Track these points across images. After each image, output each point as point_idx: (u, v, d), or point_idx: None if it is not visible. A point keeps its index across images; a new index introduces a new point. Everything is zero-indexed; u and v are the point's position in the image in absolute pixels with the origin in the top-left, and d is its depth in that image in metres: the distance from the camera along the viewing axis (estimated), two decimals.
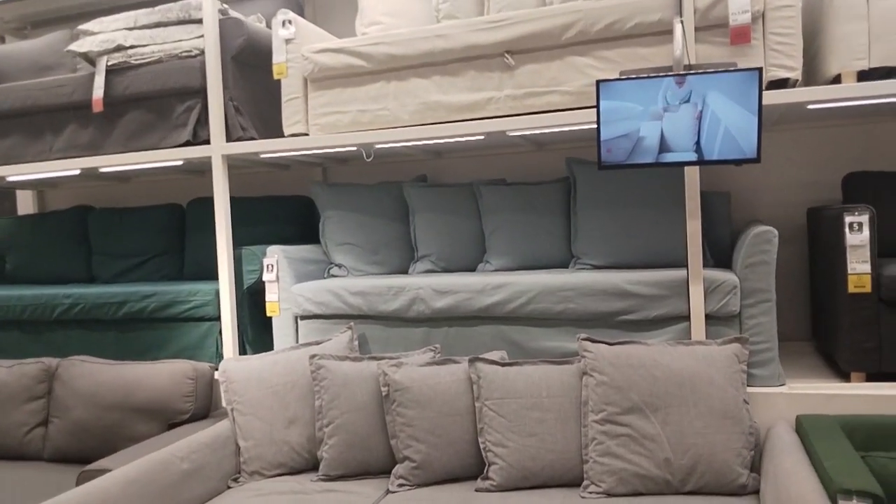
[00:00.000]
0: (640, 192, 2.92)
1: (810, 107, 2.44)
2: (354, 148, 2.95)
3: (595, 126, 2.44)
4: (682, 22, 2.35)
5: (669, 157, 2.23)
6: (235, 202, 3.59)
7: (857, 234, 2.33)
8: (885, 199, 2.72)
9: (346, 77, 2.90)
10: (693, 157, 2.19)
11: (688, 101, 2.19)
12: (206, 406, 2.82)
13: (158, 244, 3.73)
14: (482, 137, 2.79)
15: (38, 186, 4.35)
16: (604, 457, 2.30)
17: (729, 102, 2.17)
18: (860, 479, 1.73)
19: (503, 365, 2.51)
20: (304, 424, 2.64)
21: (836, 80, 2.43)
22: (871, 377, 2.41)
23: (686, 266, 2.55)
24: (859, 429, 2.19)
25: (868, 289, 2.33)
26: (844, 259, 2.35)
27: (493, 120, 2.66)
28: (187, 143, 3.10)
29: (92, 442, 2.81)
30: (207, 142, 3.07)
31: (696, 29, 2.43)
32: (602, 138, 2.27)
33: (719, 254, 2.94)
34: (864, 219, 2.32)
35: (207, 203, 3.69)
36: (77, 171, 3.27)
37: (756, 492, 2.24)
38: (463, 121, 2.74)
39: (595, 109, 2.44)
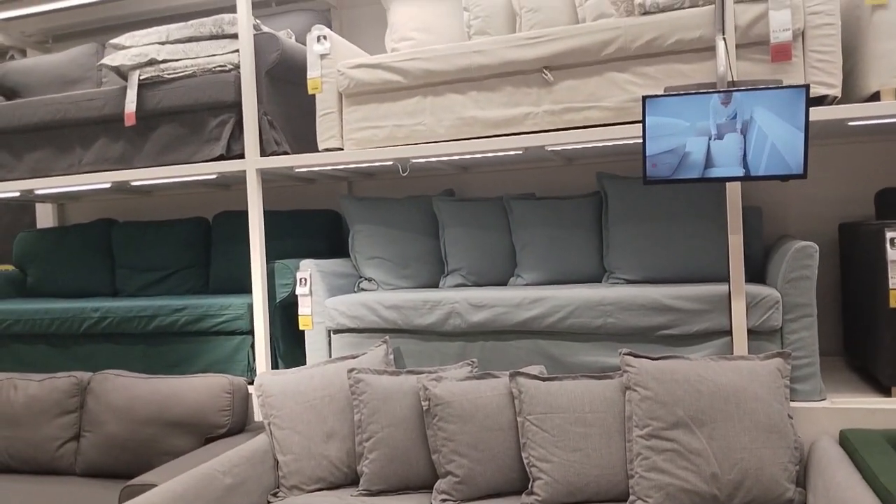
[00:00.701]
0: (673, 207, 2.93)
1: (851, 123, 2.46)
2: (391, 162, 2.96)
3: (639, 141, 2.46)
4: (724, 39, 2.38)
5: (716, 173, 2.24)
6: (264, 216, 3.59)
7: None
8: None
9: (382, 92, 2.91)
10: (740, 172, 2.21)
11: (734, 117, 2.21)
12: (242, 420, 2.80)
13: (184, 258, 3.73)
14: (520, 152, 2.80)
15: (59, 200, 4.35)
16: (650, 472, 2.30)
17: (775, 119, 2.19)
18: None
19: (544, 380, 2.51)
20: (343, 439, 2.63)
21: (875, 96, 2.45)
22: None
23: (727, 281, 2.56)
24: None
25: None
26: (886, 274, 2.36)
27: (533, 135, 2.67)
28: (220, 158, 3.10)
29: (126, 456, 2.79)
30: (241, 156, 3.08)
31: (738, 46, 2.46)
32: (647, 153, 2.29)
33: (752, 268, 2.95)
34: None
35: (233, 216, 3.69)
36: (108, 185, 3.27)
37: None
38: (500, 135, 2.75)
39: (640, 125, 2.46)
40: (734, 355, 2.45)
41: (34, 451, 2.90)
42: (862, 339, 2.72)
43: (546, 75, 2.67)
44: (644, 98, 2.25)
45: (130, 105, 3.17)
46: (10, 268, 4.25)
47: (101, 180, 3.24)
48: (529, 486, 2.38)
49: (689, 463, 2.28)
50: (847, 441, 2.26)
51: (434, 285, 3.31)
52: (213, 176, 3.12)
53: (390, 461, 2.52)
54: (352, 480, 2.61)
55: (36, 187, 3.35)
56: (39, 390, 2.97)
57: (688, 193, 2.90)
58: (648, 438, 2.33)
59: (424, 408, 2.51)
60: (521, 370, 2.52)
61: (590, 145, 2.67)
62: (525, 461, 2.41)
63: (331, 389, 2.70)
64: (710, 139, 2.23)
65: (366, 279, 3.30)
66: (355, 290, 3.29)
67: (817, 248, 2.44)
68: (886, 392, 2.47)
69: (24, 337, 3.44)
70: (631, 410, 2.39)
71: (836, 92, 2.40)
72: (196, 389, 2.75)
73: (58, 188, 3.32)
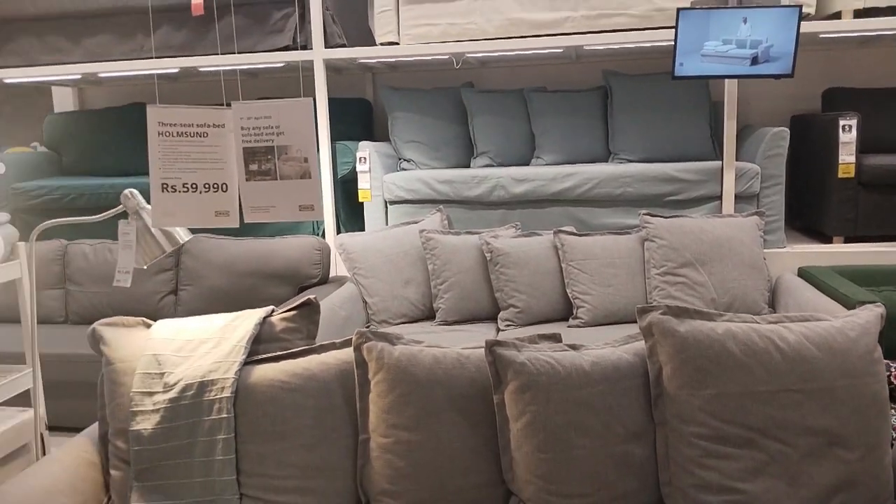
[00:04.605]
0: (664, 100, 3.62)
1: (822, 36, 3.19)
2: (447, 56, 3.46)
3: (660, 44, 3.09)
4: None
5: (730, 70, 2.92)
6: None
7: (848, 134, 3.14)
8: (857, 109, 3.55)
9: None
10: (749, 71, 2.90)
11: (746, 25, 2.87)
12: (327, 273, 3.36)
13: None
14: (560, 50, 3.37)
15: (80, 84, 4.54)
16: (666, 299, 3.07)
17: (775, 30, 2.87)
18: (870, 296, 2.56)
19: (580, 235, 3.20)
20: (418, 285, 3.26)
21: (836, 15, 3.18)
22: (847, 240, 3.28)
23: (709, 158, 3.29)
24: (847, 274, 3.06)
25: (852, 175, 3.17)
26: (837, 152, 3.16)
27: (571, 36, 3.25)
28: (286, 48, 3.50)
29: (225, 304, 3.30)
30: (305, 47, 3.49)
31: None
32: (677, 54, 2.93)
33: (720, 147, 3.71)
34: (854, 122, 3.13)
35: None
36: (176, 70, 3.59)
37: None
38: (543, 35, 3.31)
39: (662, 30, 3.09)
40: (724, 214, 3.22)
41: (136, 304, 3.36)
42: (810, 203, 3.55)
43: None
44: (678, 10, 2.87)
45: None
46: (25, 149, 4.46)
47: (167, 66, 3.57)
48: (574, 312, 3.11)
49: (695, 291, 3.06)
50: (806, 273, 3.11)
51: (464, 166, 3.90)
52: (281, 64, 3.52)
53: (461, 299, 3.18)
54: (427, 316, 3.26)
55: (100, 70, 3.62)
56: None
57: (676, 90, 3.58)
58: (664, 275, 3.09)
59: (488, 258, 3.16)
60: (561, 228, 3.20)
61: (621, 46, 3.28)
62: (570, 295, 3.12)
63: (404, 246, 3.30)
64: (726, 45, 2.90)
65: (405, 160, 3.84)
66: (398, 168, 3.83)
67: (788, 132, 3.20)
68: (830, 241, 3.33)
69: (89, 210, 3.78)
70: (649, 256, 3.13)
71: (811, 9, 3.11)
72: (290, 247, 3.27)
73: (121, 72, 3.61)
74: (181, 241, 1.69)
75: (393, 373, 1.59)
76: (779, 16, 2.86)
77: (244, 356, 1.63)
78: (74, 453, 1.67)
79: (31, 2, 3.63)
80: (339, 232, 3.68)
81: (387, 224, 3.62)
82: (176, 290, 3.40)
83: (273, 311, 1.75)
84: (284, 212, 1.57)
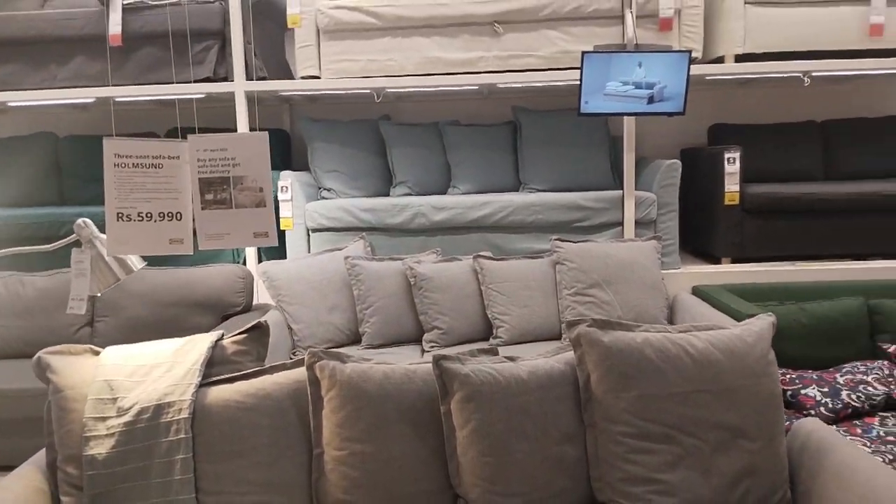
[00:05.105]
0: (569, 134, 3.90)
1: (708, 77, 3.55)
2: (367, 91, 3.60)
3: (564, 83, 3.36)
4: (631, 11, 3.32)
5: (630, 108, 3.21)
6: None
7: (732, 165, 3.50)
8: (740, 143, 3.94)
9: (358, 31, 3.53)
10: (646, 109, 3.19)
11: (642, 69, 3.17)
12: (250, 301, 3.39)
13: None
14: (475, 87, 3.58)
15: None
16: (576, 317, 3.29)
17: (668, 72, 3.19)
18: (758, 311, 2.87)
19: (497, 260, 3.39)
20: (343, 310, 3.34)
21: (720, 59, 3.55)
22: (735, 261, 3.63)
23: (610, 188, 3.58)
24: (735, 291, 3.38)
25: (737, 202, 3.52)
26: (723, 182, 3.51)
27: (484, 75, 3.47)
28: (207, 79, 3.54)
29: (146, 335, 3.25)
30: (224, 79, 3.54)
31: (637, 17, 3.41)
32: (582, 93, 3.20)
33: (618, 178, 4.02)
34: (737, 155, 3.49)
35: (187, 132, 4.08)
36: (91, 100, 3.56)
37: None
38: (457, 73, 3.51)
39: (566, 71, 3.36)
40: (626, 238, 3.50)
41: (50, 336, 3.26)
42: (699, 228, 3.90)
43: (497, 28, 3.46)
44: (583, 53, 3.14)
45: (116, 27, 3.48)
46: None
47: (82, 95, 3.53)
48: (494, 332, 3.28)
49: (602, 310, 3.30)
50: (699, 292, 3.42)
51: (382, 194, 4.03)
52: (202, 95, 3.55)
53: (386, 323, 3.29)
54: (353, 340, 3.35)
55: (9, 100, 3.54)
56: (49, 283, 3.32)
57: (579, 125, 3.86)
58: (574, 295, 3.32)
59: (412, 282, 3.29)
60: (480, 253, 3.39)
61: (530, 85, 3.53)
62: (490, 316, 3.30)
63: (327, 274, 3.38)
64: (626, 85, 3.19)
65: (325, 189, 3.93)
66: (318, 197, 3.91)
67: (680, 164, 3.53)
68: (719, 262, 3.67)
69: None
70: (561, 277, 3.36)
71: (699, 54, 3.46)
72: (213, 276, 3.29)
73: (35, 101, 3.54)
74: (135, 269, 1.73)
75: (345, 389, 1.70)
76: (671, 60, 3.18)
77: (199, 378, 1.68)
78: (23, 482, 1.66)
79: None
80: (259, 260, 3.71)
81: (308, 251, 3.69)
82: (92, 321, 3.34)
83: (223, 335, 1.82)
84: (239, 239, 1.65)
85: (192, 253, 1.68)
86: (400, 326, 3.31)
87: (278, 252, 3.82)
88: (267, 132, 1.63)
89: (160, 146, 1.61)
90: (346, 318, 3.35)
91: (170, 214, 1.62)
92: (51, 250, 1.72)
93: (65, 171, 4.09)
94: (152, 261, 3.65)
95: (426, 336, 3.28)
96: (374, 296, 3.30)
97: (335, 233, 3.67)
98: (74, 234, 1.69)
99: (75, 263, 1.65)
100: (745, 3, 3.45)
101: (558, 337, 3.34)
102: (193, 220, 1.63)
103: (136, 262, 1.74)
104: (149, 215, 1.61)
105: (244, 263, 3.64)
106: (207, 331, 3.14)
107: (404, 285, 3.33)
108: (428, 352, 3.23)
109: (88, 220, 1.71)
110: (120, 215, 1.60)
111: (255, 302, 3.53)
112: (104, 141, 1.56)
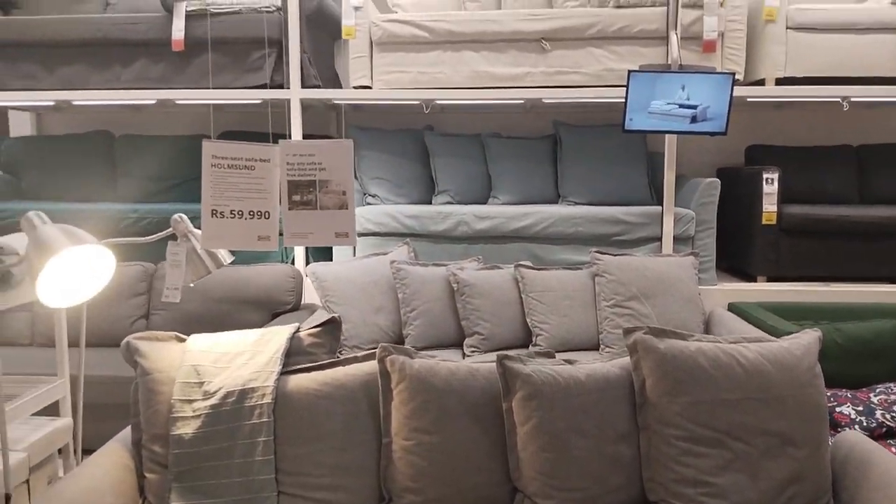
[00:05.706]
0: (608, 150, 4.00)
1: (749, 99, 3.64)
2: (417, 102, 3.72)
3: (610, 100, 3.46)
4: (676, 33, 3.43)
5: (673, 127, 3.31)
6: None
7: (771, 186, 3.58)
8: (775, 164, 4.02)
9: (410, 44, 3.66)
10: (689, 128, 3.29)
11: (685, 90, 3.27)
12: (299, 301, 3.51)
13: (190, 170, 4.21)
14: (521, 101, 3.70)
15: (39, 110, 4.56)
16: (615, 329, 3.38)
17: (711, 93, 3.28)
18: (794, 328, 2.95)
19: (538, 269, 3.49)
20: (388, 312, 3.45)
21: (761, 82, 3.64)
22: (770, 279, 3.71)
23: (647, 203, 3.67)
24: (770, 309, 3.46)
25: (774, 221, 3.60)
26: (761, 201, 3.60)
27: (530, 89, 3.58)
28: (263, 86, 3.68)
29: (200, 329, 3.39)
30: (280, 86, 3.68)
31: (681, 38, 3.52)
32: (627, 110, 3.30)
33: (657, 193, 4.11)
34: (776, 175, 3.58)
35: (235, 137, 4.23)
36: (153, 101, 3.71)
37: None
38: (505, 87, 3.63)
39: (611, 88, 3.46)
40: (664, 254, 3.59)
41: (109, 327, 3.41)
42: (735, 246, 3.98)
43: (544, 45, 3.58)
44: (629, 72, 3.25)
45: (179, 33, 3.63)
46: None
47: (145, 97, 3.68)
48: (534, 339, 3.38)
49: (640, 322, 3.39)
50: (735, 308, 3.50)
51: (424, 202, 4.15)
52: (258, 101, 3.70)
53: (429, 326, 3.39)
54: (396, 341, 3.45)
55: (73, 98, 3.70)
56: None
57: (618, 141, 3.97)
58: (613, 307, 3.41)
59: (455, 288, 3.40)
60: (521, 262, 3.49)
61: (573, 101, 3.63)
62: (529, 323, 3.39)
63: (374, 276, 3.50)
64: (670, 105, 3.29)
65: (370, 195, 4.06)
66: (363, 203, 4.04)
67: (719, 182, 3.62)
68: (754, 280, 3.74)
69: None
70: (600, 289, 3.45)
71: (741, 76, 3.56)
72: (266, 275, 3.42)
73: (99, 101, 3.70)
74: (224, 263, 1.85)
75: (414, 382, 1.81)
76: (715, 81, 3.27)
77: (280, 367, 1.80)
78: (111, 458, 1.78)
79: (6, 28, 3.69)
80: (308, 262, 3.84)
81: (354, 255, 3.81)
82: (148, 314, 3.47)
83: (299, 328, 1.93)
84: (322, 237, 1.76)
85: (276, 249, 1.80)
86: (442, 330, 3.41)
87: (325, 254, 3.95)
88: (352, 140, 1.75)
89: (254, 149, 1.74)
90: (391, 320, 3.46)
91: (259, 213, 1.75)
92: (149, 242, 1.84)
93: (120, 168, 4.25)
94: None
95: (467, 341, 3.38)
96: (418, 299, 3.41)
97: (380, 237, 3.79)
98: (171, 228, 1.82)
99: (171, 255, 1.78)
100: (788, 28, 3.54)
101: (596, 347, 3.42)
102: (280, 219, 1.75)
103: (225, 256, 1.86)
104: (240, 213, 1.73)
105: (293, 264, 3.76)
106: (258, 327, 3.27)
107: (447, 290, 3.44)
108: (469, 356, 3.33)
109: (184, 216, 1.83)
110: (214, 212, 1.72)
111: (303, 302, 3.65)
112: (203, 143, 1.68)
